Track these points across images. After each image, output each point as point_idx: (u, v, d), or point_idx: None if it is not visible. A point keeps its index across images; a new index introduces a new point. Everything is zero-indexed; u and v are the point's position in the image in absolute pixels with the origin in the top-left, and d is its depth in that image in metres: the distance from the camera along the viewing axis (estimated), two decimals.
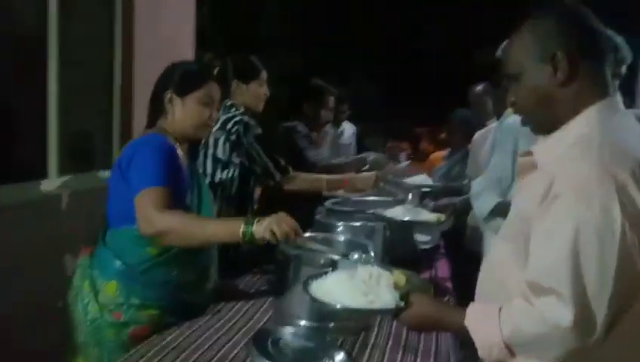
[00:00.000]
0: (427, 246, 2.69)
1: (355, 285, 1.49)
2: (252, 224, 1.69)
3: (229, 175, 2.54)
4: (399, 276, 1.56)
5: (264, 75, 2.72)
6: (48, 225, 2.73)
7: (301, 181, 2.69)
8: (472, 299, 2.29)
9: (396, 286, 1.52)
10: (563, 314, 1.12)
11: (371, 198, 3.01)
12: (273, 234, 1.68)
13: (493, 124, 3.41)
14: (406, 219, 2.55)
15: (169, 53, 3.76)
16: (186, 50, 4.06)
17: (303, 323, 1.82)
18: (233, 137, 2.51)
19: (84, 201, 2.96)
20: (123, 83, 3.43)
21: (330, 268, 1.64)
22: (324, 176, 2.82)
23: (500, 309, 1.24)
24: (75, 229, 2.83)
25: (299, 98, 3.39)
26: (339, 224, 2.46)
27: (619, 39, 2.04)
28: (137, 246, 1.78)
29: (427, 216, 2.59)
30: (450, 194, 3.07)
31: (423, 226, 2.63)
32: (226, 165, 2.54)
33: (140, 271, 1.78)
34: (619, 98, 1.32)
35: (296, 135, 3.14)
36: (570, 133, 1.27)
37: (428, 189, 3.14)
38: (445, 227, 2.80)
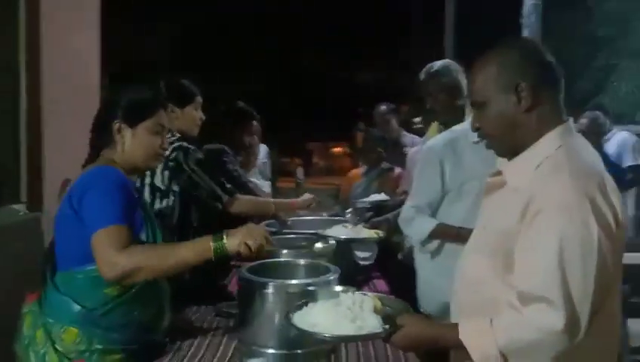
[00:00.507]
0: (367, 263, 2.74)
1: (340, 312, 1.50)
2: (222, 239, 1.66)
3: (169, 203, 2.45)
4: (375, 300, 1.60)
5: (199, 98, 2.65)
6: None
7: (247, 203, 2.65)
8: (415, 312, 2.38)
9: (375, 310, 1.55)
10: (555, 319, 1.24)
11: (302, 218, 3.06)
12: (247, 247, 1.67)
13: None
14: (349, 236, 2.60)
15: (77, 76, 3.58)
16: (93, 73, 3.85)
17: (271, 351, 1.81)
18: (172, 164, 2.41)
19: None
20: (29, 107, 3.19)
21: (306, 298, 1.64)
22: (272, 200, 2.81)
23: (492, 321, 1.32)
24: None
25: (220, 120, 3.32)
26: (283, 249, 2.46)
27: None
28: (95, 289, 1.67)
29: (367, 233, 2.66)
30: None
31: (363, 243, 2.67)
32: (165, 194, 2.44)
33: (100, 314, 1.67)
34: (572, 121, 1.46)
35: (227, 158, 3.08)
36: (537, 155, 1.41)
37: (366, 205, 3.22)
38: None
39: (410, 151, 3.75)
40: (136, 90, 1.88)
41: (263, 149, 5.07)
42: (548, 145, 1.40)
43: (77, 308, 1.66)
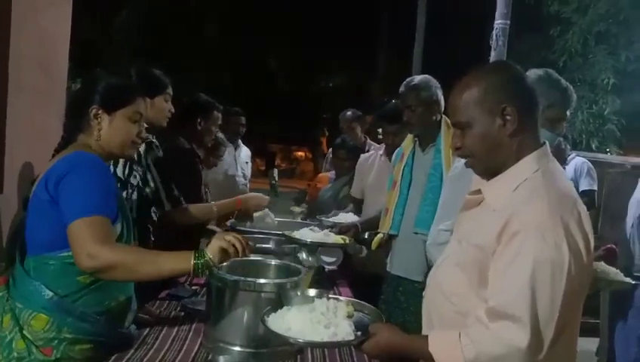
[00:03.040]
0: (332, 267, 2.76)
1: (315, 318, 1.52)
2: (203, 256, 1.62)
3: (127, 196, 2.33)
4: (349, 305, 1.63)
5: (170, 90, 2.57)
6: None
7: (193, 213, 2.58)
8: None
9: (348, 315, 1.59)
10: (520, 337, 1.30)
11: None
12: (226, 253, 1.65)
13: (380, 150, 3.60)
14: (315, 240, 2.62)
15: (45, 60, 3.49)
16: (62, 57, 3.75)
17: (237, 349, 1.81)
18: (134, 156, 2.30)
19: None
20: None
21: (280, 300, 1.66)
22: (214, 204, 2.73)
23: (460, 334, 1.36)
24: None
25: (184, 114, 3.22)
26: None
27: (570, 88, 2.25)
28: (68, 276, 1.64)
29: (335, 238, 2.69)
30: None
31: (329, 248, 2.69)
32: (124, 185, 2.33)
33: (72, 302, 1.64)
34: (548, 146, 1.53)
35: (196, 158, 3.02)
36: (515, 177, 1.46)
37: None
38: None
39: (362, 157, 3.72)
40: (113, 76, 1.86)
41: (244, 151, 5.03)
42: (526, 168, 1.45)
43: (49, 294, 1.62)
